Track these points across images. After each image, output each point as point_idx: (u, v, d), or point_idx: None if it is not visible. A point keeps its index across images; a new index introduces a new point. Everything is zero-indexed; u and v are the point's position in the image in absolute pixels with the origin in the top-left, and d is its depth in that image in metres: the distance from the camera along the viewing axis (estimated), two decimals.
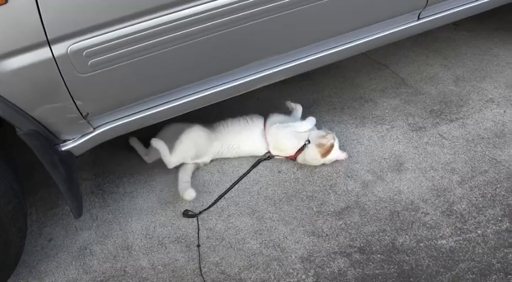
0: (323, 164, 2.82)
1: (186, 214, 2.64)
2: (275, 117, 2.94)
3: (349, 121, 3.12)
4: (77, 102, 2.05)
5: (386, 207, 2.57)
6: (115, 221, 2.66)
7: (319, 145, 2.76)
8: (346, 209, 2.58)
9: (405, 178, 2.71)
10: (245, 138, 2.89)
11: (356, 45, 2.63)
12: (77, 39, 1.88)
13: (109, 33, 1.92)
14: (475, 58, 3.56)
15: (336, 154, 2.78)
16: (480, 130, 2.95)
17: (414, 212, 2.52)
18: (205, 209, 2.66)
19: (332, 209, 2.58)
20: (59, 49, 1.86)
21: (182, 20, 2.02)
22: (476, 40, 3.74)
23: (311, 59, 2.55)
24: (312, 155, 2.79)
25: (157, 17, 1.98)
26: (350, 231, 2.47)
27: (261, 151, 2.92)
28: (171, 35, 2.04)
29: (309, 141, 2.80)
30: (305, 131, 2.85)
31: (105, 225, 2.64)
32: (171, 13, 1.99)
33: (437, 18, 2.80)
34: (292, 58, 2.53)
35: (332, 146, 2.74)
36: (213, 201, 2.70)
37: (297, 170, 2.83)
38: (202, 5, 2.03)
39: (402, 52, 3.68)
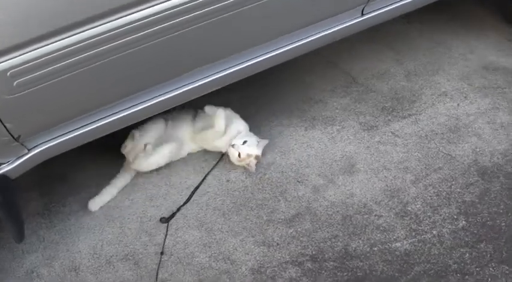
0: (272, 171, 2.77)
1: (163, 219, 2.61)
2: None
3: (298, 124, 3.03)
4: (7, 125, 1.96)
5: (338, 211, 2.51)
6: (62, 241, 2.58)
7: (240, 161, 2.74)
8: (297, 216, 2.52)
9: (357, 180, 2.65)
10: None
11: (299, 45, 2.56)
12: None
13: (33, 52, 1.83)
14: (428, 51, 3.51)
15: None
16: (433, 125, 2.90)
17: (367, 215, 2.47)
18: (183, 205, 2.67)
19: (282, 217, 2.52)
20: None
21: (108, 33, 1.93)
22: (428, 32, 3.69)
23: (252, 63, 2.48)
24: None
25: (80, 33, 1.88)
26: (301, 239, 2.41)
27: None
28: (97, 49, 1.95)
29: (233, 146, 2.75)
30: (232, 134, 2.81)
31: (52, 246, 2.57)
32: (94, 27, 1.90)
33: (382, 13, 2.73)
34: (235, 62, 2.45)
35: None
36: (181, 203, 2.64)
37: (246, 178, 2.75)
38: (122, 19, 1.94)
39: (353, 48, 3.60)
